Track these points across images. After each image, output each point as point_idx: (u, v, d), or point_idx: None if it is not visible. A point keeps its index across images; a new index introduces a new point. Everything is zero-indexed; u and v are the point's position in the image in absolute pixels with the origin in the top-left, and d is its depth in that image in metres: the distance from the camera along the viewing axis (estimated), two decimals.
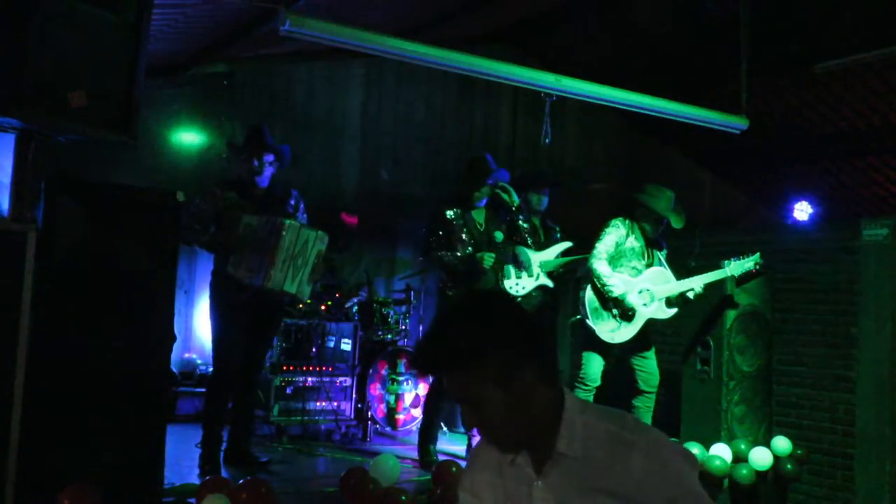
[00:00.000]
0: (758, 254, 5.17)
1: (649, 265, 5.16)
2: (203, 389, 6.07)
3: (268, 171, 4.74)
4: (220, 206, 4.58)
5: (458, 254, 5.03)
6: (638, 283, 5.09)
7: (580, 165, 8.85)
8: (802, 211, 8.58)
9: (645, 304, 5.05)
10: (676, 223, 5.15)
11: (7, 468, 3.04)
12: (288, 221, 4.47)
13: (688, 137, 8.50)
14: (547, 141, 5.29)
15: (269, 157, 4.73)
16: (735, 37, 5.76)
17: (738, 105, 5.76)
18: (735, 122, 5.77)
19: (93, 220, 3.36)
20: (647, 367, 5.19)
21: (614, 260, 5.10)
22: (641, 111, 5.59)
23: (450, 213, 5.11)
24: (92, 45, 3.02)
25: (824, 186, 8.71)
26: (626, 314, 5.03)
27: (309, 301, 5.69)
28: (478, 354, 1.59)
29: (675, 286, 5.08)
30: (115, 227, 3.43)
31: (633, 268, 5.13)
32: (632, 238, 5.14)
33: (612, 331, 5.05)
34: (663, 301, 5.10)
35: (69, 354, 3.28)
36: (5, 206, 3.16)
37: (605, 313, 5.07)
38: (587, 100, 5.46)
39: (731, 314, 5.31)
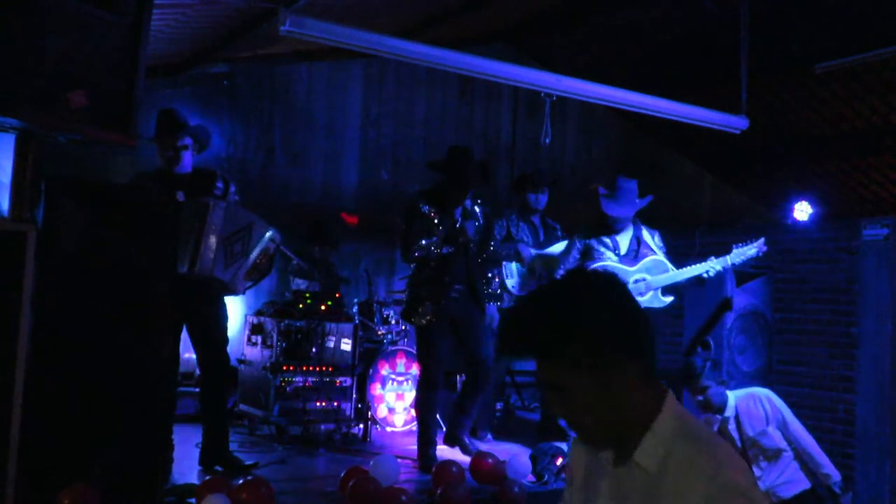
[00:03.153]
0: (762, 238, 5.11)
1: (635, 255, 5.21)
2: None
3: (186, 156, 4.48)
4: None
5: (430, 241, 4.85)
6: (634, 272, 5.13)
7: (580, 165, 8.87)
8: (802, 211, 8.57)
9: (640, 294, 5.09)
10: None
11: (7, 468, 3.04)
12: (211, 201, 4.27)
13: (688, 137, 8.51)
14: (547, 141, 5.29)
15: (186, 141, 4.47)
16: (735, 37, 5.76)
17: (738, 105, 5.77)
18: (735, 122, 5.77)
19: (93, 220, 3.36)
20: None
21: (584, 255, 5.24)
22: (641, 111, 5.59)
23: (425, 209, 4.92)
24: (92, 45, 3.02)
25: (824, 186, 8.71)
26: None
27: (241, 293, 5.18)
28: (565, 339, 1.44)
29: (672, 276, 5.11)
30: (115, 226, 3.43)
31: (608, 259, 5.21)
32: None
33: None
34: (659, 290, 5.12)
35: (69, 354, 3.28)
36: (5, 206, 3.16)
37: None
38: (587, 100, 5.46)
39: (731, 314, 5.32)
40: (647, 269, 5.16)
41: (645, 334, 1.50)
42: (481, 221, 5.08)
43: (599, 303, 1.48)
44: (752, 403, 4.31)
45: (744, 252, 5.08)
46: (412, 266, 5.08)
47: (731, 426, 4.32)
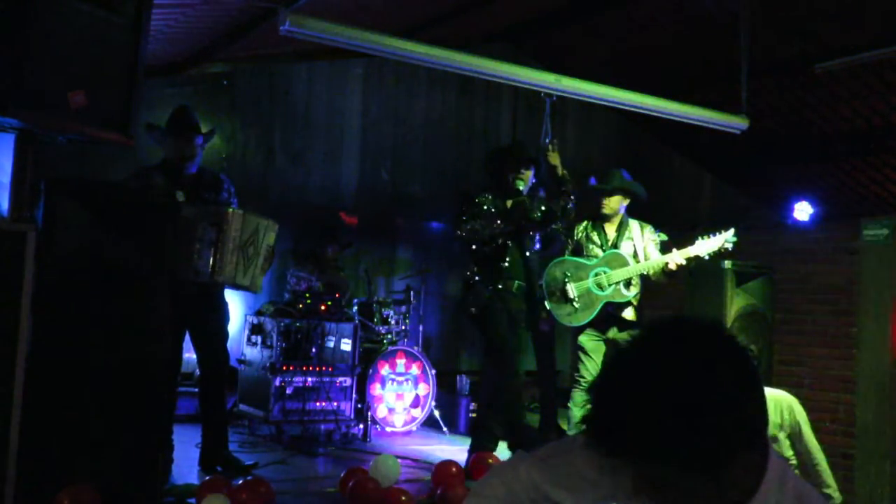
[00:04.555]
0: (731, 230, 4.94)
1: (615, 246, 5.23)
2: None
3: (198, 155, 4.53)
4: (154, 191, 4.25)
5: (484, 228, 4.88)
6: (594, 266, 5.14)
7: (580, 165, 8.86)
8: (802, 211, 8.56)
9: (600, 286, 5.08)
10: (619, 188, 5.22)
11: (7, 468, 3.04)
12: (230, 209, 4.26)
13: (688, 137, 8.50)
14: (547, 141, 5.29)
15: (198, 140, 4.50)
16: (735, 37, 5.76)
17: (738, 105, 5.76)
18: (735, 122, 5.77)
19: (92, 220, 3.36)
20: None
21: (576, 252, 5.29)
22: (641, 111, 5.59)
23: (479, 199, 4.96)
24: (92, 45, 3.02)
25: (824, 186, 8.70)
26: (576, 300, 5.12)
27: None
28: (682, 443, 1.14)
29: (629, 270, 5.08)
30: (115, 227, 3.43)
31: (594, 256, 5.23)
32: (587, 231, 5.29)
33: (570, 314, 5.12)
34: (621, 284, 5.10)
35: (69, 354, 3.28)
36: (5, 206, 3.16)
37: (559, 298, 5.19)
38: (587, 100, 5.46)
39: (731, 314, 5.31)
40: (607, 263, 5.16)
41: (766, 411, 1.26)
42: (543, 209, 5.06)
43: (729, 390, 1.18)
44: (769, 407, 4.29)
45: (708, 245, 4.92)
46: (464, 257, 5.10)
47: None
